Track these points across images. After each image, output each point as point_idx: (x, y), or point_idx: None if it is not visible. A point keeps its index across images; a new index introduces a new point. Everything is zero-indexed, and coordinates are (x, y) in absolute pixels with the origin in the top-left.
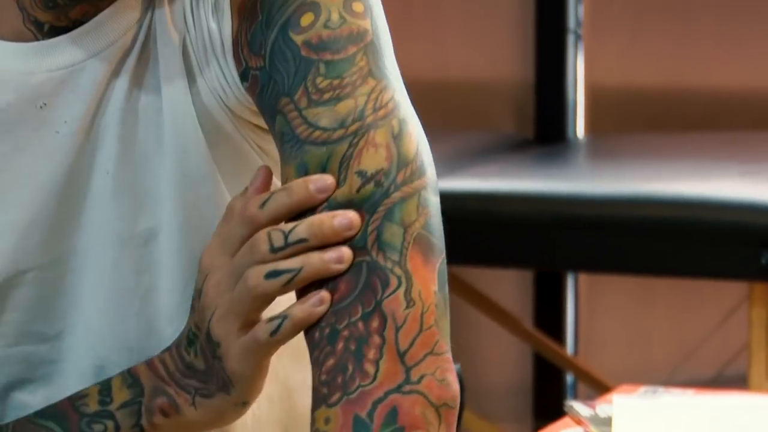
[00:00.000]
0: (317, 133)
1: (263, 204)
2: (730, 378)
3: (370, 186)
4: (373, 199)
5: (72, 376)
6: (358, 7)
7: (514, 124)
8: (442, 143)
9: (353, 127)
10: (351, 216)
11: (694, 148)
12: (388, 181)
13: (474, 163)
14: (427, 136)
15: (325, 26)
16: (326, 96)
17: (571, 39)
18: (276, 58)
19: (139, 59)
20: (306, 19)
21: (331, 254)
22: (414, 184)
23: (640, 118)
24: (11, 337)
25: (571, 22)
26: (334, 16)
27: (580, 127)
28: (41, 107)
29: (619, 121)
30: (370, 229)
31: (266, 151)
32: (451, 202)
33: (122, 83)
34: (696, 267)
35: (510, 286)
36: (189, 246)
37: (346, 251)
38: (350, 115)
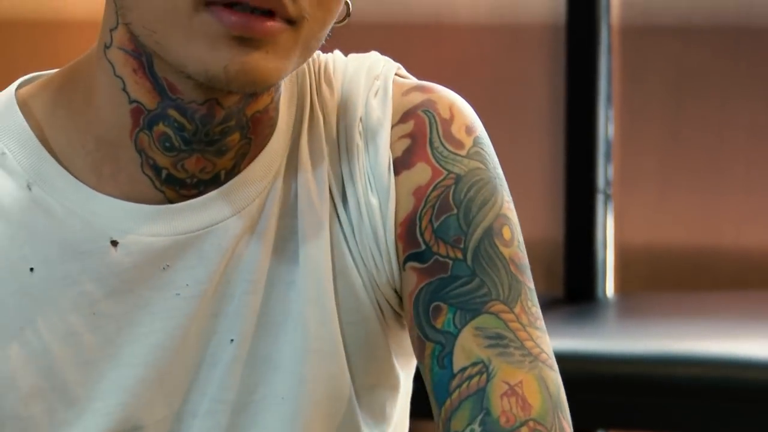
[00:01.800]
0: (544, 356)
1: None
2: None
3: None
4: None
5: None
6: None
7: (544, 283)
8: None
9: (552, 363)
10: None
11: (724, 307)
12: None
13: None
14: None
15: (519, 248)
16: (538, 323)
17: (600, 199)
18: (484, 261)
19: (278, 229)
20: (507, 233)
21: None
22: None
23: (670, 277)
24: None
25: (601, 182)
26: (521, 239)
27: (609, 286)
28: (164, 269)
29: (649, 280)
30: None
31: (393, 334)
32: None
33: (252, 253)
34: (726, 426)
35: None
36: (302, 417)
37: None
38: (551, 349)
